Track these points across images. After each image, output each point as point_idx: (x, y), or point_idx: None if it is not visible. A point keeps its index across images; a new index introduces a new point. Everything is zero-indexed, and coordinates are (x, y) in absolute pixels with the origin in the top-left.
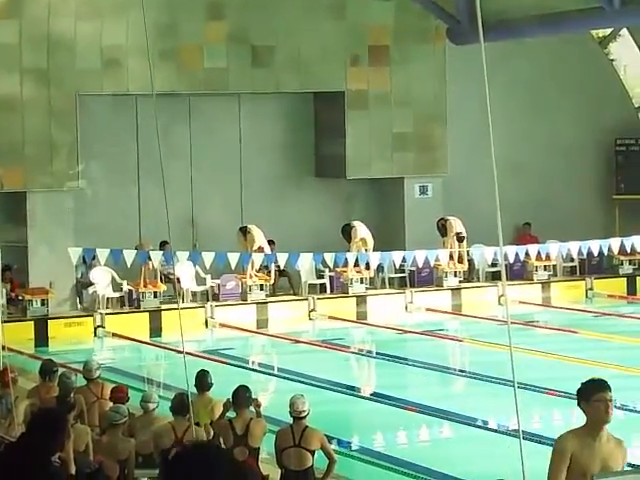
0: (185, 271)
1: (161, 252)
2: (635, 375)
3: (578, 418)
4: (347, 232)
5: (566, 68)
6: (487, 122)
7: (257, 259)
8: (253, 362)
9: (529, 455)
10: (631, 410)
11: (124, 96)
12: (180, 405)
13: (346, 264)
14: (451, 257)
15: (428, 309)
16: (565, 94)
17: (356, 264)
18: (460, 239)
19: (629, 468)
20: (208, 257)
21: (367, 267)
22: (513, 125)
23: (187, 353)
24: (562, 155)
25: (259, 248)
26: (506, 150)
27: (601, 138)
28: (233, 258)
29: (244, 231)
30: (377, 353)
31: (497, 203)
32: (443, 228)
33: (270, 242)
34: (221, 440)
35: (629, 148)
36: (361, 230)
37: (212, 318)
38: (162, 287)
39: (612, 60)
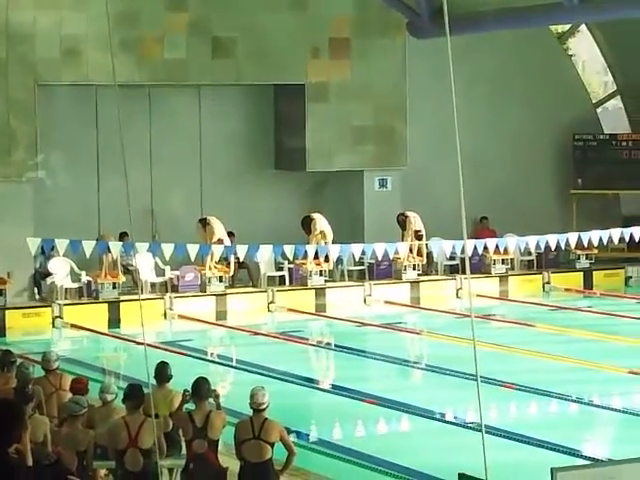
0: (144, 262)
1: (120, 243)
2: (591, 368)
3: (534, 410)
4: (307, 224)
5: (525, 63)
6: (446, 116)
7: (216, 251)
8: (212, 354)
9: (488, 448)
10: (587, 403)
11: (84, 86)
12: (134, 398)
13: (305, 256)
14: (410, 250)
15: (387, 302)
16: (524, 89)
17: (316, 256)
18: (419, 237)
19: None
20: (167, 248)
21: (326, 259)
22: (472, 119)
23: (147, 344)
24: (520, 150)
25: (218, 240)
26: (465, 144)
27: (559, 133)
28: (192, 249)
29: (204, 223)
30: (336, 345)
31: (461, 198)
32: (403, 223)
33: (230, 234)
34: (180, 432)
35: (587, 143)
36: (321, 222)
37: (171, 309)
38: (121, 278)
39: (571, 56)
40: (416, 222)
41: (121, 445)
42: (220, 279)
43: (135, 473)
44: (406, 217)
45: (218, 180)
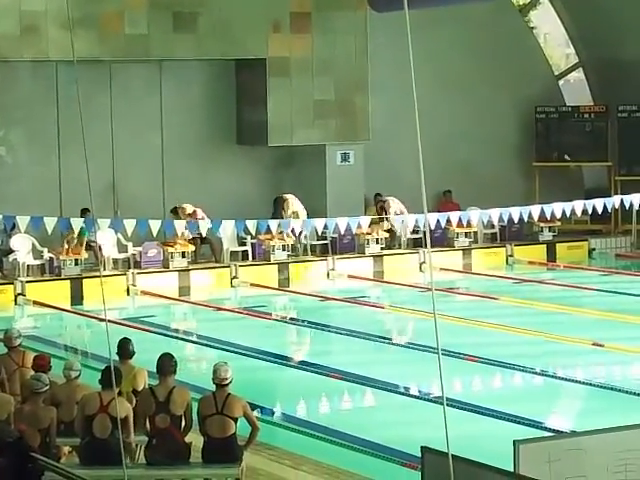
0: (106, 238)
1: (82, 219)
2: (555, 341)
3: (498, 383)
4: (279, 204)
5: (487, 36)
6: (408, 90)
7: (179, 227)
8: (175, 330)
9: (451, 421)
10: (550, 376)
11: (44, 62)
12: (108, 378)
13: (268, 231)
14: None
15: (350, 276)
16: (486, 62)
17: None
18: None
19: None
20: (130, 224)
21: (293, 233)
22: (434, 93)
23: (109, 321)
24: (483, 123)
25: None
26: (428, 118)
27: (521, 106)
28: (155, 225)
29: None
30: (300, 320)
31: (421, 171)
32: (382, 210)
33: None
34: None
35: (549, 116)
36: (294, 203)
37: (134, 286)
38: (83, 255)
39: (532, 28)
40: (396, 206)
41: (91, 410)
42: (182, 255)
43: (102, 440)
44: (384, 202)
45: (180, 155)
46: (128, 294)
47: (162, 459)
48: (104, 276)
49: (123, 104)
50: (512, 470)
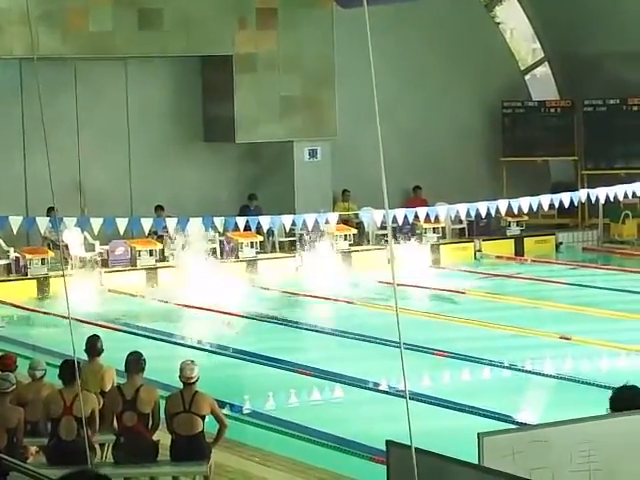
0: (73, 237)
1: (48, 218)
2: (522, 334)
3: (466, 378)
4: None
5: (454, 32)
6: (373, 86)
7: (146, 224)
8: (143, 328)
9: (418, 415)
10: (518, 369)
11: (8, 60)
12: (68, 373)
13: (236, 228)
14: (343, 222)
15: (319, 271)
16: (453, 58)
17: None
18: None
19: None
20: (96, 223)
21: (258, 231)
22: (401, 89)
23: (76, 320)
24: (450, 118)
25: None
26: (395, 114)
27: (488, 101)
28: (122, 224)
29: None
30: (268, 316)
31: (382, 167)
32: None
33: (159, 207)
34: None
35: (515, 110)
36: None
37: (101, 284)
38: (50, 254)
39: (498, 23)
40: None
41: (56, 413)
42: (150, 253)
43: (68, 442)
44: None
45: (146, 153)
46: (96, 293)
47: (130, 457)
48: (69, 275)
49: (88, 102)
50: (477, 462)
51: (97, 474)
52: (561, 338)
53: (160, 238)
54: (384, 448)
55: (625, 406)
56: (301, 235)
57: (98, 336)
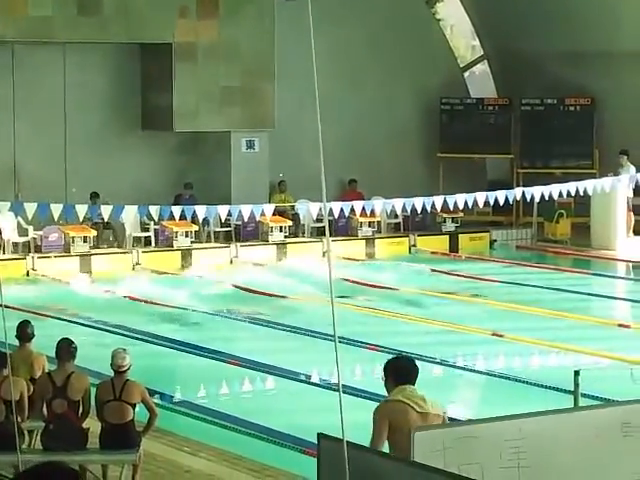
0: (7, 222)
1: None
2: (455, 331)
3: None
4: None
5: (394, 27)
6: (313, 79)
7: (80, 211)
8: (75, 315)
9: (350, 408)
10: (450, 365)
11: None
12: None
13: (171, 217)
14: (279, 213)
15: (254, 264)
16: (393, 53)
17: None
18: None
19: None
20: (30, 208)
21: (193, 221)
22: (340, 83)
23: (7, 306)
24: (389, 113)
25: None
26: (333, 107)
27: (426, 97)
28: (56, 209)
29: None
30: (202, 307)
31: (321, 160)
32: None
33: (94, 194)
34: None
35: (453, 107)
36: None
37: (34, 270)
38: None
39: (439, 20)
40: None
41: None
42: (84, 239)
43: None
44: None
45: (83, 139)
46: (28, 278)
47: (59, 444)
48: (4, 260)
49: (26, 86)
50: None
51: (71, 468)
52: (493, 335)
53: (95, 225)
54: (315, 441)
55: (400, 375)
56: (237, 226)
57: (29, 322)
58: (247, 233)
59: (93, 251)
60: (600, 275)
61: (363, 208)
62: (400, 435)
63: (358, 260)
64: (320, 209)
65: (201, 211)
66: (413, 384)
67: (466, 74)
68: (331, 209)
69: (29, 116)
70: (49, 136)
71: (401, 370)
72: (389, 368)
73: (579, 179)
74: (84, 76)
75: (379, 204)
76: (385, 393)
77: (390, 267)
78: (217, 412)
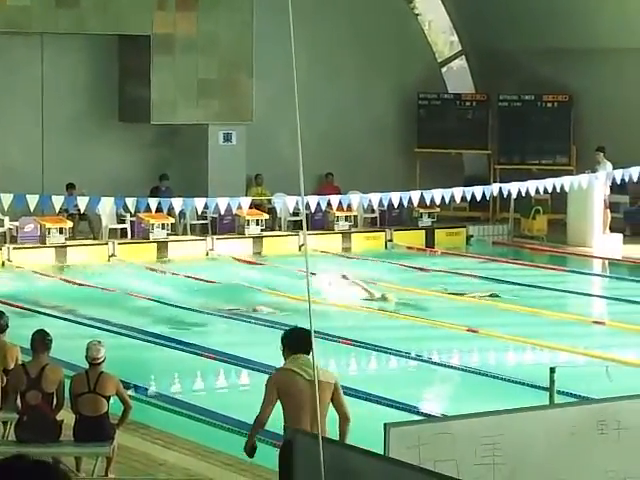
0: None
1: None
2: (430, 326)
3: (373, 367)
4: None
5: (372, 22)
6: (291, 72)
7: (57, 202)
8: (51, 306)
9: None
10: (425, 361)
11: None
12: None
13: (148, 209)
14: (255, 206)
15: (230, 257)
16: (371, 47)
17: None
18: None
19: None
20: (7, 198)
21: (169, 213)
22: (319, 77)
23: None
24: (366, 107)
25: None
26: (310, 101)
27: (404, 92)
28: (32, 200)
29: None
30: (177, 299)
31: (299, 155)
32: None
33: (70, 185)
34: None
35: (431, 102)
36: None
37: (10, 261)
38: None
39: (417, 15)
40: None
41: None
42: (60, 231)
43: None
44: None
45: (60, 130)
46: (3, 268)
47: (32, 436)
48: None
49: (3, 76)
50: (382, 453)
51: (36, 460)
52: (468, 331)
53: (71, 216)
54: None
55: (293, 345)
56: (213, 219)
57: (3, 312)
58: (224, 226)
59: (69, 242)
60: (576, 272)
61: (340, 202)
62: (289, 400)
63: (334, 254)
64: (297, 202)
65: (178, 203)
66: (307, 353)
67: (444, 69)
68: (308, 203)
69: (6, 106)
70: (26, 127)
71: (294, 341)
72: (284, 339)
73: (556, 175)
74: (62, 67)
75: (356, 198)
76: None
77: (366, 261)
78: (192, 405)
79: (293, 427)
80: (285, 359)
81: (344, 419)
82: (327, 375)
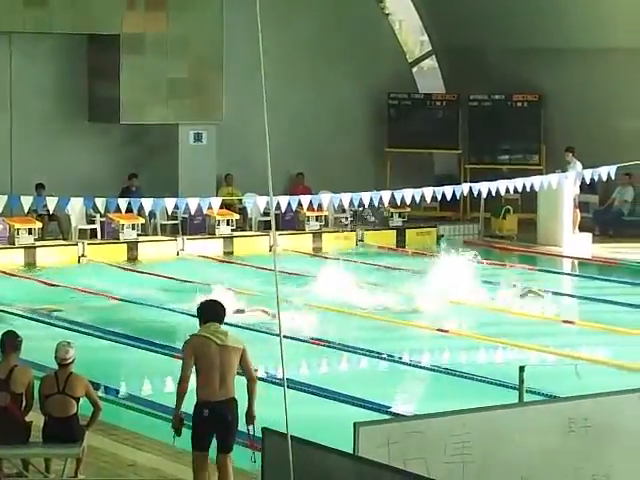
0: None
1: None
2: (400, 326)
3: (343, 367)
4: None
5: (343, 22)
6: (262, 72)
7: (25, 203)
8: (20, 307)
9: (294, 403)
10: (395, 361)
11: None
12: None
13: (118, 210)
14: (226, 206)
15: (200, 256)
16: (342, 48)
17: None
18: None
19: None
20: None
21: (139, 214)
22: (290, 77)
23: None
24: (337, 107)
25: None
26: (280, 100)
27: (375, 92)
28: (1, 201)
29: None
30: (147, 300)
31: (267, 154)
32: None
33: (39, 185)
34: None
35: (401, 102)
36: None
37: None
38: None
39: (388, 15)
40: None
41: None
42: (29, 231)
43: None
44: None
45: (29, 131)
46: None
47: (1, 438)
48: None
49: None
50: (352, 452)
51: None
52: (438, 330)
53: (40, 217)
54: (260, 435)
55: (206, 314)
56: (184, 219)
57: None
58: (194, 226)
59: (38, 243)
60: (546, 271)
61: (310, 202)
62: (202, 362)
63: (305, 254)
64: (267, 202)
65: (148, 204)
66: (219, 322)
67: (414, 69)
68: (278, 203)
69: None
70: None
71: (207, 310)
72: (199, 309)
73: (526, 175)
74: (30, 66)
75: (326, 198)
76: None
77: (335, 261)
78: (162, 406)
79: (204, 387)
80: (200, 326)
81: (252, 380)
82: (236, 341)
